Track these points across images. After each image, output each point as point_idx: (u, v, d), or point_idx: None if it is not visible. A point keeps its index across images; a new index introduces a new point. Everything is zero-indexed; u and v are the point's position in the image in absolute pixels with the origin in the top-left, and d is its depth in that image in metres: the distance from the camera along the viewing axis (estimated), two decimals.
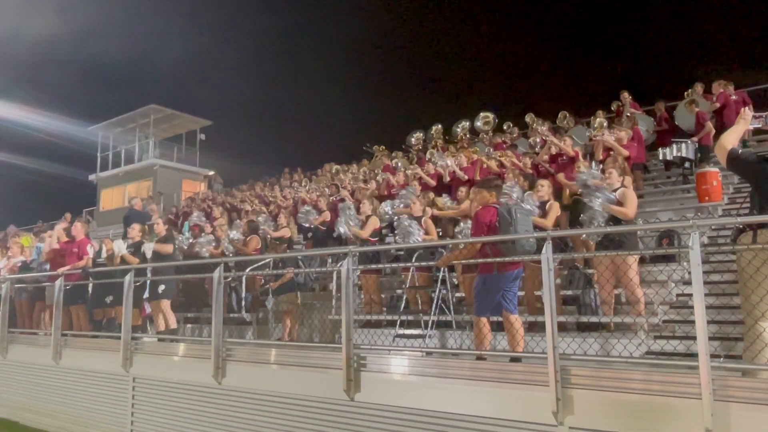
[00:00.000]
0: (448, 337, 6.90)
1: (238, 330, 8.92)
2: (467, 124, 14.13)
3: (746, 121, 4.50)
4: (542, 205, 7.16)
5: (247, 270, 8.60)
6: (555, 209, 7.13)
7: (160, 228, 9.48)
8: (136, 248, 9.03)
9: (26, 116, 32.36)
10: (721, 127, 10.89)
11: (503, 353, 5.44)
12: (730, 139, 4.36)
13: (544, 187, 7.39)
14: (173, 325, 8.59)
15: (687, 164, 10.68)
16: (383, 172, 12.70)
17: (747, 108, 4.81)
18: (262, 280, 9.08)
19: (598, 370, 4.37)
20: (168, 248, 8.94)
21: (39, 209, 27.03)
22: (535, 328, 6.27)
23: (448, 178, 10.43)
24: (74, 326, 9.51)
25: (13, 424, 9.54)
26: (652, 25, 35.07)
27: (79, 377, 8.74)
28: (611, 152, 8.14)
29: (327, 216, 10.38)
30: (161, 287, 8.54)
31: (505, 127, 14.25)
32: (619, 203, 6.29)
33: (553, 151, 9.42)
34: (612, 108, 13.45)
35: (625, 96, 13.19)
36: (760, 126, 4.57)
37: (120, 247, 9.14)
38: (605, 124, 9.95)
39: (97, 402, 8.31)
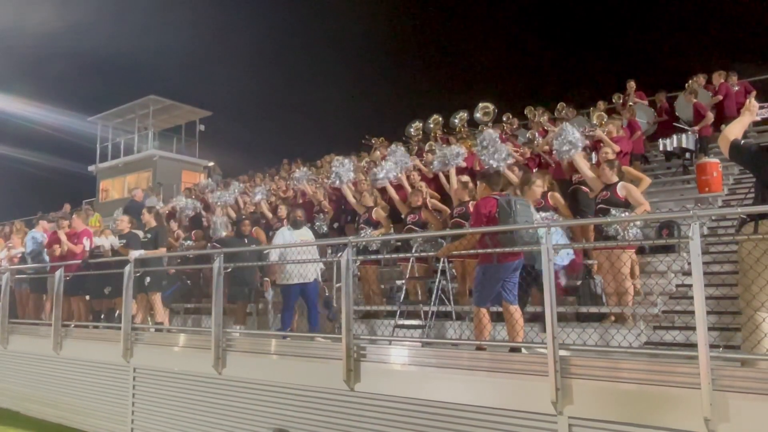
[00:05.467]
0: (448, 327, 6.91)
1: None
2: (465, 115, 14.07)
3: (752, 112, 4.48)
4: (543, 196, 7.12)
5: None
6: (557, 199, 7.11)
7: (123, 225, 8.97)
8: (129, 239, 8.92)
9: (25, 108, 32.31)
10: (721, 118, 10.87)
11: (503, 343, 5.46)
12: (734, 130, 4.34)
13: (536, 182, 7.29)
14: (159, 319, 8.52)
15: (687, 155, 10.66)
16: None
17: (753, 99, 4.77)
18: None
19: (597, 360, 4.39)
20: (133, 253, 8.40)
21: (39, 201, 26.99)
22: (541, 318, 6.27)
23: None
24: (74, 317, 9.53)
25: (15, 414, 9.60)
26: (655, 16, 34.90)
27: (79, 367, 8.78)
28: (601, 144, 8.12)
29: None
30: (147, 279, 8.41)
31: (504, 118, 14.19)
32: (626, 199, 6.27)
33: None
34: (614, 100, 13.37)
35: (631, 85, 13.11)
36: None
37: (113, 243, 9.13)
38: (605, 118, 9.92)
39: (98, 392, 8.34)
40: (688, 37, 30.04)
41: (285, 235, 7.93)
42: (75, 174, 30.66)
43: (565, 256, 6.20)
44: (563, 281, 6.28)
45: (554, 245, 4.84)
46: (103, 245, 9.18)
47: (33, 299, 10.71)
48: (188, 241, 10.27)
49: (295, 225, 8.01)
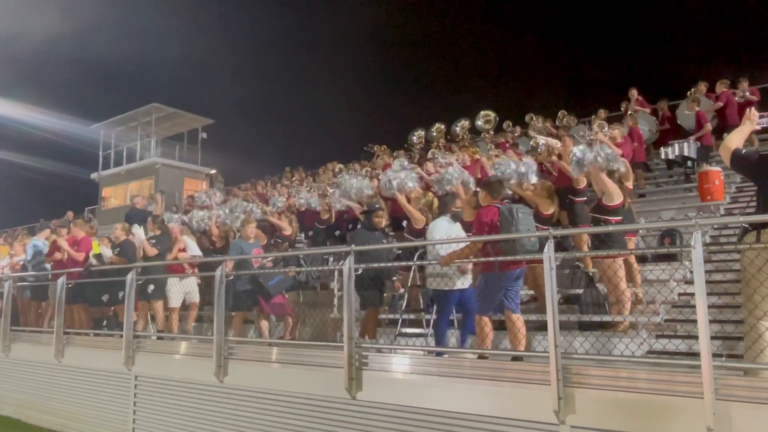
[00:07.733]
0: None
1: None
2: (467, 123, 14.12)
3: (752, 122, 4.49)
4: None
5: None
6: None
7: (117, 233, 9.15)
8: (122, 248, 8.93)
9: (28, 115, 32.44)
10: (723, 126, 10.89)
11: (505, 352, 5.45)
12: (735, 139, 4.35)
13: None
14: (161, 327, 8.51)
15: (689, 163, 10.67)
16: (384, 170, 12.67)
17: (753, 108, 4.80)
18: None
19: (599, 369, 4.37)
20: (122, 261, 8.65)
21: (41, 208, 27.09)
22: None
23: None
24: (76, 325, 9.53)
25: (16, 421, 9.57)
26: (656, 24, 35.02)
27: (81, 375, 8.77)
28: None
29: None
30: (150, 287, 8.44)
31: (504, 126, 14.23)
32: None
33: (556, 152, 9.40)
34: (622, 107, 13.42)
35: (633, 93, 13.16)
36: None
37: (106, 253, 9.14)
38: (606, 126, 9.95)
39: (100, 400, 8.32)
40: (689, 45, 30.14)
41: (445, 227, 6.39)
42: (77, 181, 30.77)
43: None
44: None
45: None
46: (106, 255, 9.18)
47: (34, 307, 10.71)
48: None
49: (454, 216, 6.59)
